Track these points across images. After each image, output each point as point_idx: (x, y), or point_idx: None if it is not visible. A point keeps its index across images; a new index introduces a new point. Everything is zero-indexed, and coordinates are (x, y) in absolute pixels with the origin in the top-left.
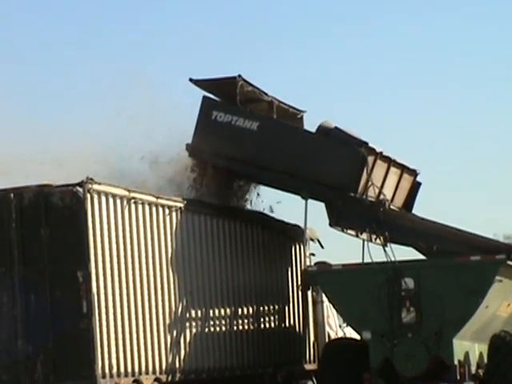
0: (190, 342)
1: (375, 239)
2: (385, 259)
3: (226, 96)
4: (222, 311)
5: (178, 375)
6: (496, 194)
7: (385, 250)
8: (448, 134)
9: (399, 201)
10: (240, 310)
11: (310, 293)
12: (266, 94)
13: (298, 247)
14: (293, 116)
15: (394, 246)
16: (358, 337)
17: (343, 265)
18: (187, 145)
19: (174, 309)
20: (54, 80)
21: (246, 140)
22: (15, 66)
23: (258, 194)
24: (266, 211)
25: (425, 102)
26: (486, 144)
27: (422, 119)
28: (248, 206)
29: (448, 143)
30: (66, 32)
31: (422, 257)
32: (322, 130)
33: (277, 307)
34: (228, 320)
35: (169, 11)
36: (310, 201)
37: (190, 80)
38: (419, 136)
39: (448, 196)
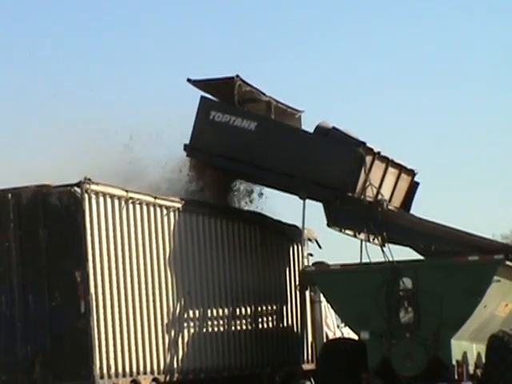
0: (188, 342)
1: (373, 239)
2: (383, 259)
3: (224, 96)
4: (220, 311)
5: (176, 375)
6: (494, 194)
7: (383, 250)
8: (446, 134)
9: (397, 201)
10: (238, 310)
11: (307, 293)
12: (264, 94)
13: (295, 247)
14: (291, 116)
15: (391, 246)
16: (355, 337)
17: (341, 265)
18: (185, 145)
19: (171, 309)
20: (45, 83)
21: (244, 140)
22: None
23: (262, 194)
24: (263, 211)
25: (423, 102)
26: (484, 144)
27: (420, 119)
28: (249, 207)
29: (446, 143)
30: (62, 32)
31: (420, 257)
32: (320, 130)
33: (275, 307)
34: (226, 320)
35: (167, 11)
36: (307, 201)
37: (188, 80)
38: (417, 136)
39: (446, 196)
